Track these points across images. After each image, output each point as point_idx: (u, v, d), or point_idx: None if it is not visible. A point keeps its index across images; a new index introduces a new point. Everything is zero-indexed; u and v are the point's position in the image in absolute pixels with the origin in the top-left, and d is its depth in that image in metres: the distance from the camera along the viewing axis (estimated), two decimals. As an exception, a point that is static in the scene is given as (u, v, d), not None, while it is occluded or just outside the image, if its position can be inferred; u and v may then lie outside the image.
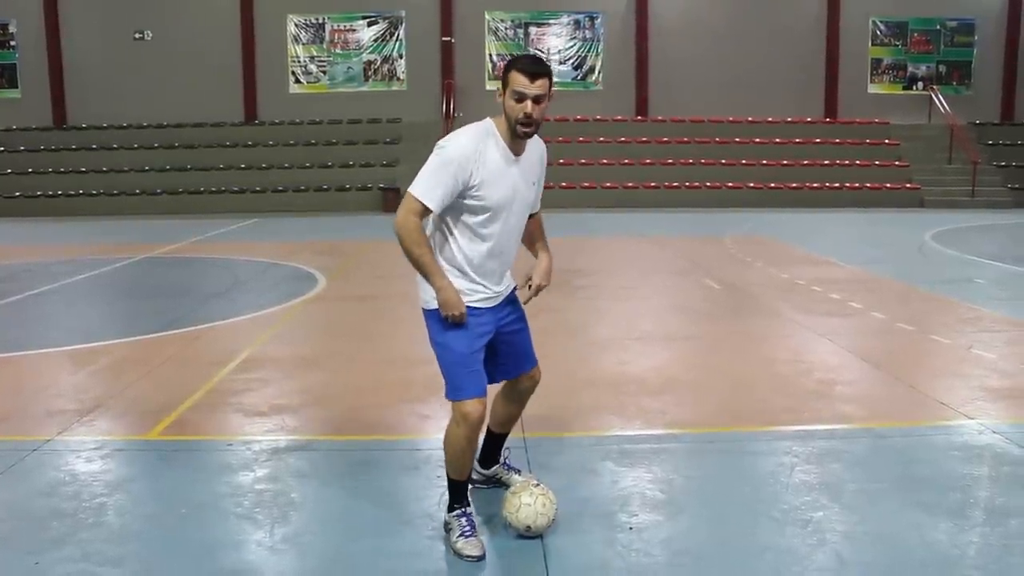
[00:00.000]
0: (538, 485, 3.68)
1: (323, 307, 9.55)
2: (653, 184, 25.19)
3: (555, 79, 3.52)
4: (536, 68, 3.34)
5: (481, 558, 3.45)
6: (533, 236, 3.83)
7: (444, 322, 3.48)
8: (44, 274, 12.15)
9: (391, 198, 24.17)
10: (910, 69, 28.63)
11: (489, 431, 4.02)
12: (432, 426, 5.23)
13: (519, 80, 3.32)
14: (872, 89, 28.62)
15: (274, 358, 7.00)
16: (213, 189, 25.17)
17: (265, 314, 8.97)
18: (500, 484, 4.06)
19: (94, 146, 26.56)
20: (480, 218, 3.44)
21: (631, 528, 3.74)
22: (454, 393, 3.48)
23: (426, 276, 3.42)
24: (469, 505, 3.63)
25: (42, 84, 27.47)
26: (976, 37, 28.42)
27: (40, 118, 27.48)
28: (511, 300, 3.71)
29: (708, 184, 25.12)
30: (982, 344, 7.20)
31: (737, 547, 3.58)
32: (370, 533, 3.73)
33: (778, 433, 5.03)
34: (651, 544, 3.60)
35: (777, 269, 11.83)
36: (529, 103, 3.31)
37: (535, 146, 3.56)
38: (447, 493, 3.66)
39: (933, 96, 27.71)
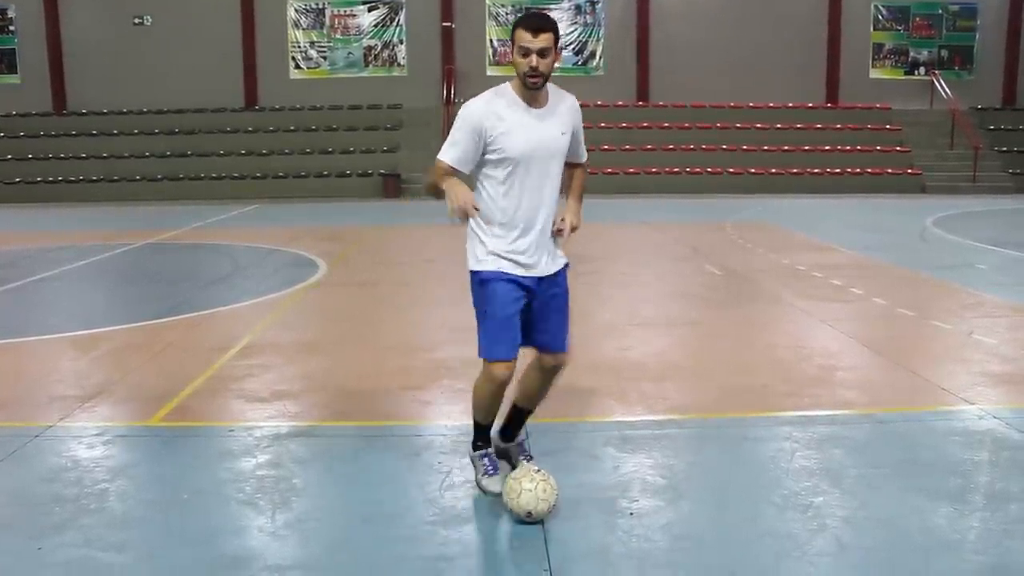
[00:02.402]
0: (539, 471, 3.69)
1: (324, 293, 9.55)
2: (654, 170, 25.12)
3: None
4: (538, 24, 3.55)
5: (500, 494, 3.70)
6: (571, 186, 3.98)
7: (483, 286, 3.65)
8: (45, 260, 12.15)
9: (392, 184, 24.13)
10: (912, 54, 28.50)
11: (514, 404, 4.03)
12: (433, 412, 5.24)
13: (523, 36, 3.53)
14: (874, 74, 28.49)
15: (275, 344, 7.00)
16: (214, 175, 25.12)
17: (266, 300, 8.97)
18: (509, 462, 4.05)
19: (94, 132, 26.48)
20: (506, 171, 3.63)
21: (632, 514, 3.75)
22: (484, 352, 3.68)
23: (440, 188, 3.60)
24: (491, 446, 3.95)
25: (42, 69, 27.35)
26: (978, 22, 28.27)
27: (40, 104, 27.39)
28: (561, 278, 3.81)
29: (709, 170, 25.06)
30: (983, 329, 7.20)
31: (738, 532, 3.59)
32: (371, 519, 3.74)
33: (779, 419, 5.03)
34: (652, 529, 3.61)
35: (778, 255, 11.82)
36: (534, 57, 3.51)
37: (561, 98, 3.75)
38: (472, 432, 3.95)
39: (935, 81, 27.60)
